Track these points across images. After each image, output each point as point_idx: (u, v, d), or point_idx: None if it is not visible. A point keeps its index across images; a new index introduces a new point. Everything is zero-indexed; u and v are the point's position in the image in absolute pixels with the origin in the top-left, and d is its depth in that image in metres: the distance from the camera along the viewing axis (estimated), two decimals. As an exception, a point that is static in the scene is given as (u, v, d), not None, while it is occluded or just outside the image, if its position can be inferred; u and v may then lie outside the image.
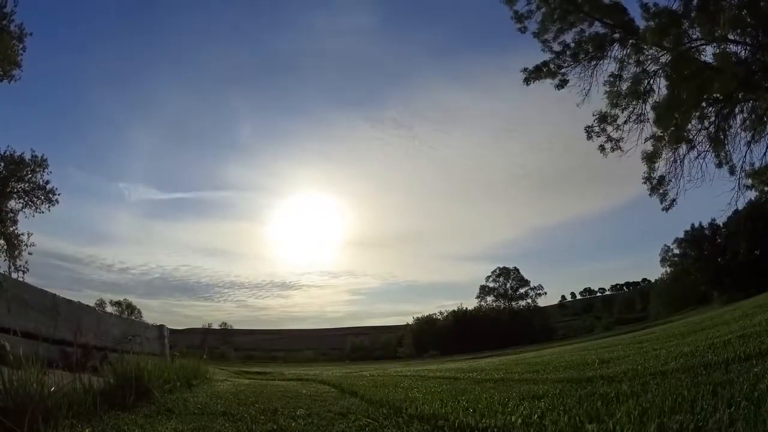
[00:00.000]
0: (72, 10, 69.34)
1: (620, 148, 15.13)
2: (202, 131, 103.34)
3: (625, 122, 15.02)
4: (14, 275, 20.70)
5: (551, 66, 15.29)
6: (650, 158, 14.86)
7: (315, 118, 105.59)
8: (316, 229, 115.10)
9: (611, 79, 14.88)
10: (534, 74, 15.50)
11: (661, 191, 14.89)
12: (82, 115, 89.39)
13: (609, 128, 15.14)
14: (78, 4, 71.30)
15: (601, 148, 15.34)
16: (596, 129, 15.25)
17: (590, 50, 14.96)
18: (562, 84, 15.46)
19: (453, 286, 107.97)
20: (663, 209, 15.10)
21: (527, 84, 15.66)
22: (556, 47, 15.19)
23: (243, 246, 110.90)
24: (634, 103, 14.74)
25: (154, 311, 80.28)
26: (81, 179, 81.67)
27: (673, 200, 14.88)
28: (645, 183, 15.13)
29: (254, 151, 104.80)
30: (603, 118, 15.09)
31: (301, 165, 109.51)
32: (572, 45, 15.07)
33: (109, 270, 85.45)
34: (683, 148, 14.70)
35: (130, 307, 57.94)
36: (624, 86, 14.77)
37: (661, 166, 14.91)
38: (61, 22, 68.51)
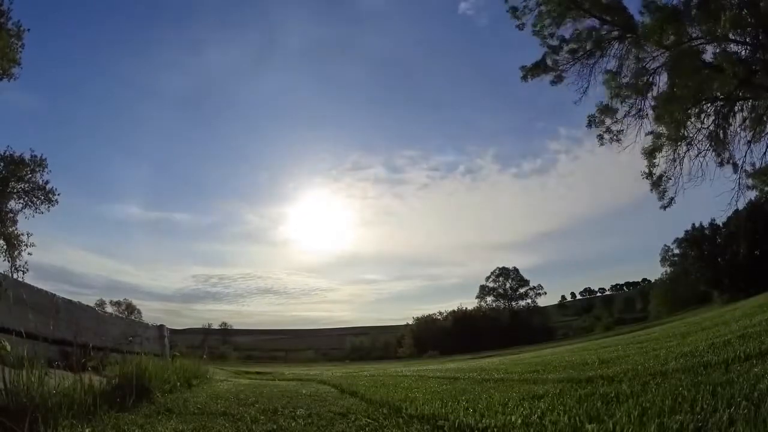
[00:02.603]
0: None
1: (619, 140, 15.19)
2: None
3: (625, 116, 15.07)
4: (14, 275, 20.72)
5: (548, 62, 15.32)
6: (650, 153, 14.88)
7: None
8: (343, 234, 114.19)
9: (610, 76, 14.93)
10: (532, 71, 15.52)
11: (660, 188, 14.92)
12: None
13: (608, 120, 15.20)
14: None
15: (600, 137, 15.42)
16: (597, 119, 15.34)
17: (589, 48, 14.99)
18: (558, 80, 15.51)
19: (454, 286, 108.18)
20: (661, 207, 15.15)
21: (525, 80, 15.72)
22: (554, 43, 15.24)
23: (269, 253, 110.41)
24: (634, 96, 14.76)
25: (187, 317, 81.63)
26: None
27: (672, 198, 14.91)
28: (646, 178, 15.17)
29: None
30: (604, 109, 15.14)
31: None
32: (571, 42, 15.11)
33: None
34: (683, 147, 14.73)
35: (130, 307, 58.01)
36: (623, 81, 14.82)
37: (661, 164, 14.97)
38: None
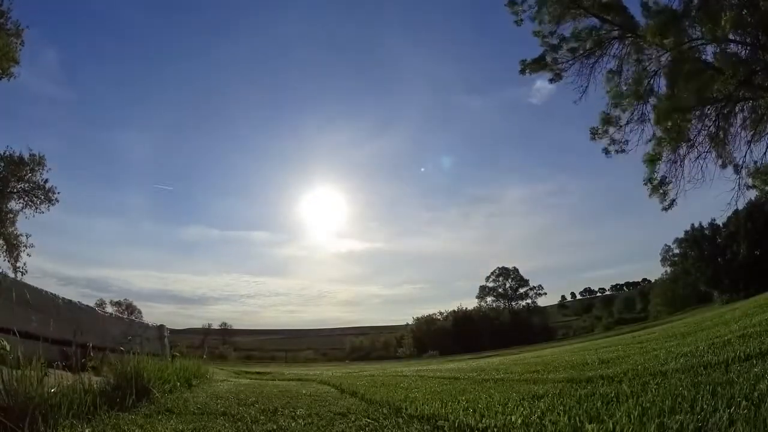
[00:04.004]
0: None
1: (624, 150, 15.19)
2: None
3: (627, 123, 15.07)
4: (13, 275, 20.72)
5: (548, 59, 15.34)
6: (651, 160, 14.87)
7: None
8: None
9: (610, 75, 14.94)
10: (532, 66, 15.54)
11: (661, 191, 14.91)
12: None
13: (611, 129, 15.19)
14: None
15: (605, 151, 15.41)
16: (600, 131, 15.29)
17: (588, 47, 15.00)
18: (557, 78, 15.53)
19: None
20: (663, 209, 15.13)
21: (523, 74, 15.76)
22: (553, 42, 15.25)
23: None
24: (635, 103, 14.77)
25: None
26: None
27: (673, 200, 14.90)
28: (646, 184, 15.15)
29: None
30: (606, 120, 15.12)
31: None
32: (570, 41, 15.12)
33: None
34: (684, 149, 14.72)
35: (130, 308, 58.00)
36: (624, 86, 14.82)
37: (662, 167, 14.95)
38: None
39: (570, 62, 15.27)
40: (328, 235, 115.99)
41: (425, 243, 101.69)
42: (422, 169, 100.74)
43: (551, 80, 15.56)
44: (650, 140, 14.84)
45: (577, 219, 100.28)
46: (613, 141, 15.25)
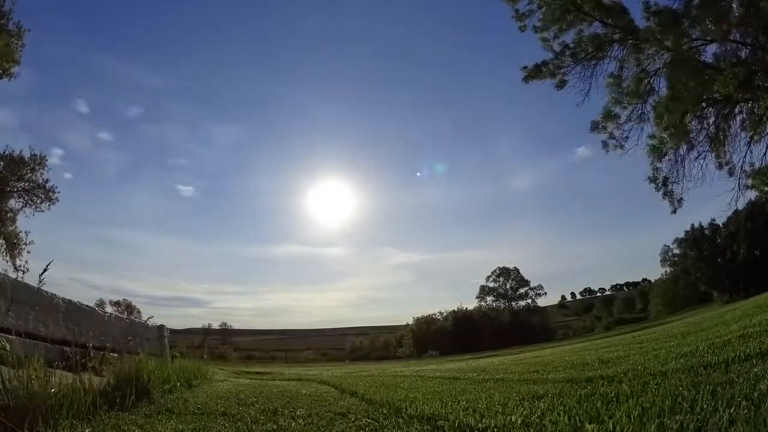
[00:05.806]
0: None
1: (622, 146, 15.17)
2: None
3: (627, 121, 15.07)
4: (14, 275, 20.68)
5: (550, 66, 15.31)
6: (656, 158, 14.87)
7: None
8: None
9: (611, 79, 14.95)
10: (533, 73, 15.51)
11: (668, 189, 14.89)
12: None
13: (611, 126, 15.19)
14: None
15: (604, 144, 15.39)
16: (600, 125, 15.30)
17: (590, 50, 14.99)
18: (562, 84, 15.50)
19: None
20: (671, 212, 15.06)
21: (526, 83, 15.69)
22: (556, 47, 15.24)
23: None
24: (635, 101, 14.77)
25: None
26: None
27: (680, 200, 14.87)
28: (650, 183, 15.12)
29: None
30: (608, 116, 15.11)
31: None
32: (572, 45, 15.10)
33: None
34: (683, 149, 14.72)
35: (130, 308, 57.93)
36: (624, 86, 14.82)
37: (663, 167, 14.94)
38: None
39: (572, 66, 15.28)
40: (345, 240, 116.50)
41: (438, 249, 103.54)
42: (418, 174, 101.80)
43: (556, 87, 15.53)
44: (650, 137, 14.87)
45: (577, 219, 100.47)
46: (612, 137, 15.26)
